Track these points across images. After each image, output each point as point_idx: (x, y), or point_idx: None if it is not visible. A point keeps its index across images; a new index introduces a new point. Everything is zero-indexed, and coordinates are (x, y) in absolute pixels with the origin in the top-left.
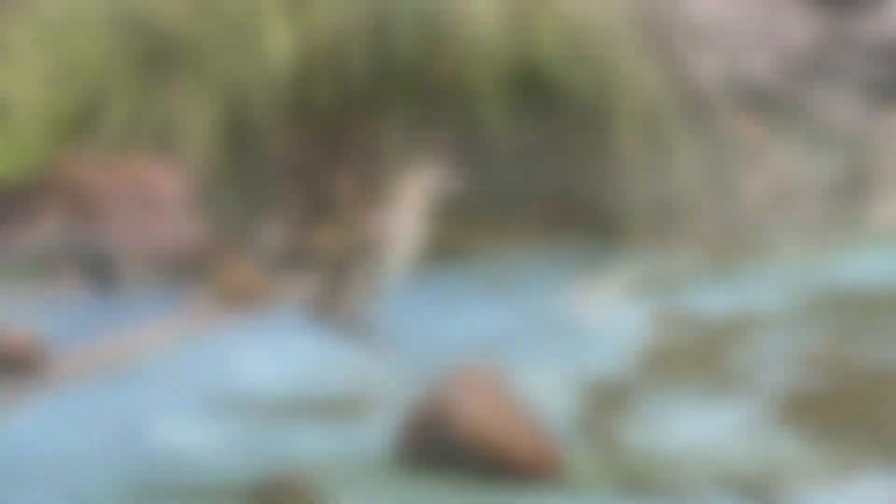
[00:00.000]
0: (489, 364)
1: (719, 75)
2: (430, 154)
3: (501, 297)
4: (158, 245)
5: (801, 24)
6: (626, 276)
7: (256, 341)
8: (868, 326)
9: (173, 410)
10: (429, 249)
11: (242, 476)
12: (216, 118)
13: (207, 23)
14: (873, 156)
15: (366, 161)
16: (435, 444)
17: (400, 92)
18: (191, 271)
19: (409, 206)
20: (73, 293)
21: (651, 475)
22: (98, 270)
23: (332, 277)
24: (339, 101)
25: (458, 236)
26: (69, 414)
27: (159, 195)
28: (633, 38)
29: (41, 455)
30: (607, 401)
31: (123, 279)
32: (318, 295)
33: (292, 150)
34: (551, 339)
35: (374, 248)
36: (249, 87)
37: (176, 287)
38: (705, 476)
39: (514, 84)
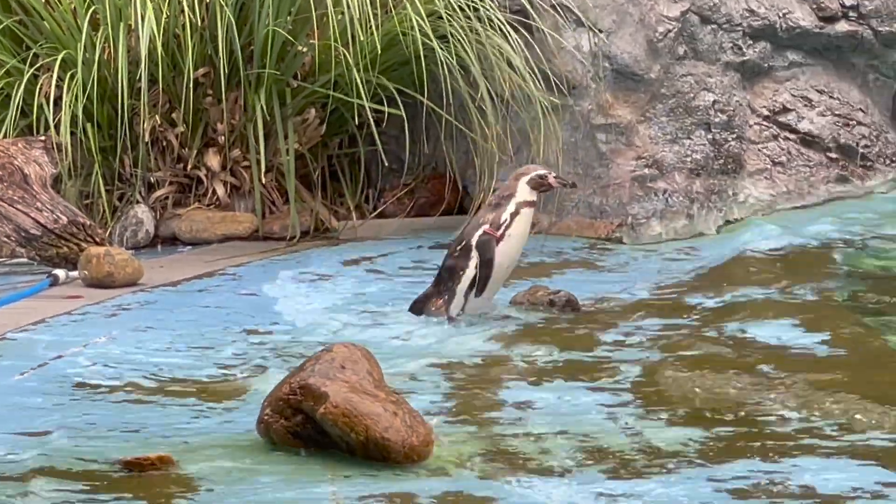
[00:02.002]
0: (356, 343)
1: (589, 54)
2: (300, 128)
3: (369, 276)
4: (25, 225)
5: (668, 3)
6: None
7: (126, 322)
8: (735, 304)
9: (40, 388)
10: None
11: (111, 454)
12: (84, 97)
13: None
14: (740, 134)
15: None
16: (301, 424)
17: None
18: (58, 251)
19: (519, 204)
20: None
21: (520, 456)
22: None
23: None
24: (206, 76)
25: (330, 214)
26: None
27: (26, 175)
28: (498, 16)
29: None
30: (477, 381)
31: None
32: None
33: (160, 127)
34: (418, 317)
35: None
36: (117, 66)
37: (42, 267)
38: (574, 456)
39: (381, 62)
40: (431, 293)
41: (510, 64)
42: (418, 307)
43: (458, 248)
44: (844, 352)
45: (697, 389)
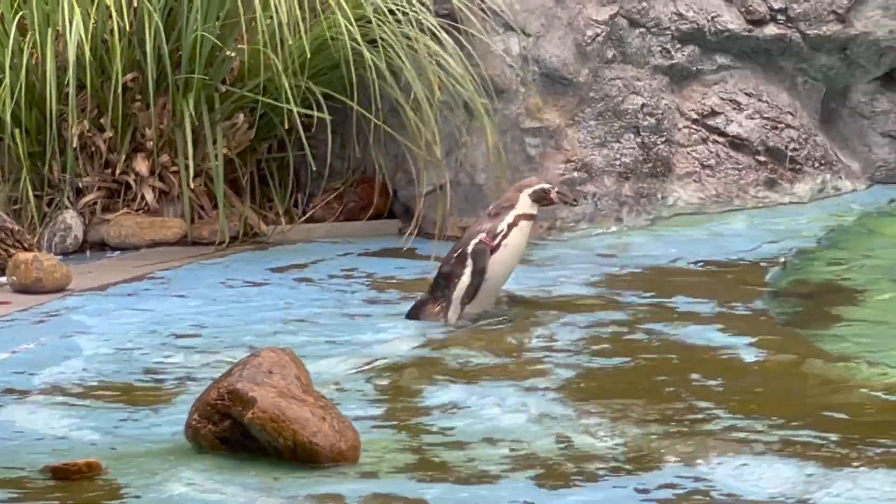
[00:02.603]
0: (284, 348)
1: (518, 58)
2: (228, 133)
3: (298, 283)
4: None
5: (596, 7)
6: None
7: (54, 328)
8: (664, 307)
9: None
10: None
11: (40, 461)
12: (12, 102)
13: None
14: (669, 137)
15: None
16: (229, 429)
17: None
18: None
19: (518, 216)
20: None
21: (449, 461)
22: None
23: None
24: (134, 81)
25: (259, 218)
26: None
27: None
28: (427, 20)
29: None
30: (406, 385)
31: None
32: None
33: (89, 133)
34: (347, 323)
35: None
36: (45, 71)
37: None
38: (503, 461)
39: (310, 66)
40: (427, 299)
41: (440, 67)
42: (414, 313)
43: (455, 255)
44: (771, 356)
45: (627, 394)
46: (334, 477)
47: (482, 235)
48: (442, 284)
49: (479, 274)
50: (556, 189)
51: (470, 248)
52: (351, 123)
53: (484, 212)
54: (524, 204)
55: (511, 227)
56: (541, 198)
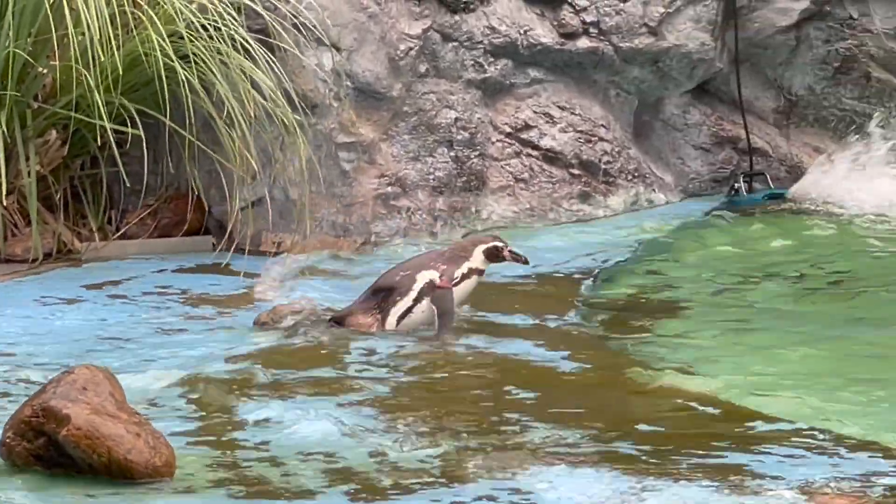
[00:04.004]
0: (99, 365)
1: (331, 73)
2: (41, 150)
3: (112, 299)
4: None
5: (409, 21)
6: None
7: None
8: (477, 321)
9: None
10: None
11: None
12: None
13: None
14: (482, 151)
15: None
16: (43, 447)
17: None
18: None
19: (471, 270)
20: None
21: (264, 477)
22: None
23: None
24: None
25: (73, 235)
26: None
27: None
28: (240, 36)
29: None
30: (221, 401)
31: None
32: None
33: None
34: (161, 339)
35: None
36: None
37: None
38: (318, 475)
39: (123, 83)
40: (356, 308)
41: (253, 83)
42: (340, 320)
43: (403, 273)
44: (585, 368)
45: (442, 408)
46: (150, 494)
47: (441, 277)
48: (379, 299)
49: (447, 316)
50: (509, 248)
51: (423, 281)
52: (164, 139)
53: (435, 251)
54: (477, 258)
55: (464, 277)
56: (493, 255)
